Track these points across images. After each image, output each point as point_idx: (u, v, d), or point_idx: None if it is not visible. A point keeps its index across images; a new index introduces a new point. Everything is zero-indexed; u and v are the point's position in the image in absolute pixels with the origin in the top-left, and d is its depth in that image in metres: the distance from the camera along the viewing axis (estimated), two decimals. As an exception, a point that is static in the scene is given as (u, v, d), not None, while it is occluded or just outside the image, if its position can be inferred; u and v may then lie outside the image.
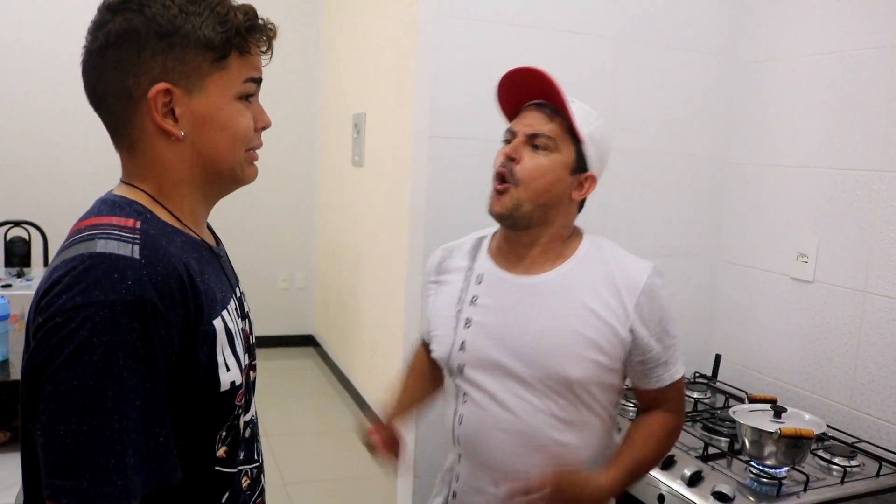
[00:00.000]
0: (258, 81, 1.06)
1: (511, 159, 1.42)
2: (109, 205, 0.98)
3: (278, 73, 5.68)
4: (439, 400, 1.69)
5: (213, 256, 1.09)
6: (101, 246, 0.90)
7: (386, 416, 1.66)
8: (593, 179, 1.46)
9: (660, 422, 1.51)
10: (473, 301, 1.50)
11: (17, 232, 4.16)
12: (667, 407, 1.51)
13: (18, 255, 4.08)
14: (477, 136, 2.19)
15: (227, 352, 1.01)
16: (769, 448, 1.76)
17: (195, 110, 0.99)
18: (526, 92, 1.47)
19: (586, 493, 1.38)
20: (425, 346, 1.71)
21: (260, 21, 1.04)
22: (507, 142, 1.46)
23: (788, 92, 2.36)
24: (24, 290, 3.41)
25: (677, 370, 1.48)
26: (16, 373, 1.95)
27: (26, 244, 4.13)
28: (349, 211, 5.15)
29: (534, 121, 1.43)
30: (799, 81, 2.33)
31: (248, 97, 1.04)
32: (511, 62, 2.20)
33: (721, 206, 2.61)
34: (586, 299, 1.41)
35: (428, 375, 1.72)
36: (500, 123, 2.26)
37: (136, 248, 0.91)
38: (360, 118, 4.81)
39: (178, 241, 0.99)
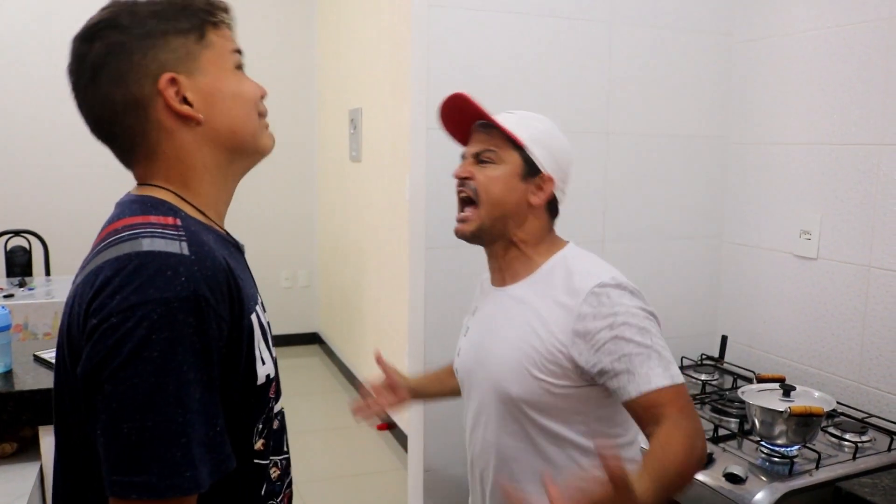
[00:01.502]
0: (241, 53, 1.10)
1: (464, 178, 1.47)
2: (140, 204, 0.99)
3: (274, 70, 5.67)
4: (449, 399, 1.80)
5: (239, 253, 1.12)
6: (148, 244, 0.91)
7: (403, 383, 1.74)
8: (550, 180, 1.46)
9: (661, 434, 1.25)
10: (474, 311, 1.61)
11: (17, 241, 4.16)
12: (661, 422, 1.27)
13: (19, 265, 4.08)
14: (473, 126, 2.17)
15: (263, 346, 1.03)
16: (779, 427, 1.76)
17: (203, 89, 1.02)
18: (464, 117, 1.52)
19: None
20: None
21: None
22: None
23: (786, 69, 2.35)
24: (26, 300, 3.41)
25: (651, 380, 1.28)
26: (20, 383, 1.95)
27: (27, 253, 4.14)
28: (349, 207, 5.14)
29: (476, 140, 1.49)
30: (796, 58, 2.31)
31: (240, 68, 1.08)
32: (504, 50, 2.21)
33: (722, 186, 2.59)
34: (541, 312, 1.40)
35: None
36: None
37: (184, 244, 0.92)
38: (356, 113, 4.80)
39: (211, 238, 1.00)
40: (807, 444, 1.78)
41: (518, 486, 1.43)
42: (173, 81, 0.99)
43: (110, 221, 0.99)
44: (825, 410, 1.77)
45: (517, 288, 1.48)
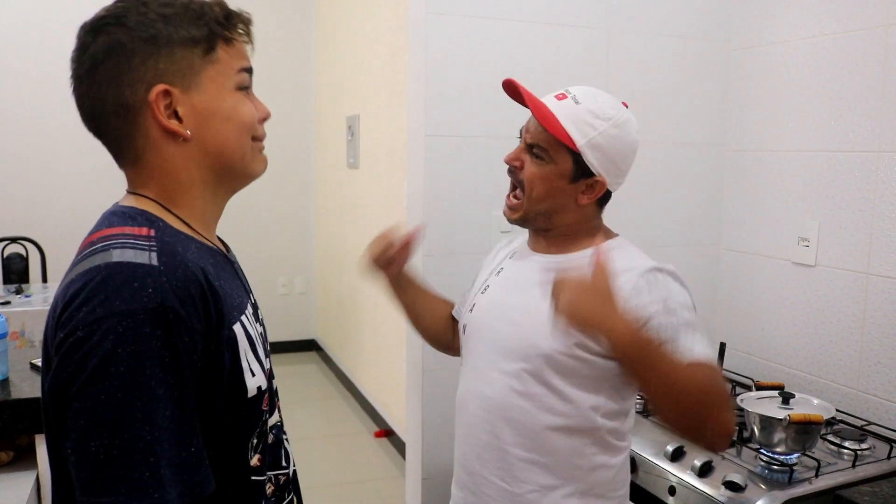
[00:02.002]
0: (250, 71, 1.06)
1: (514, 167, 1.45)
2: (120, 216, 0.98)
3: (271, 77, 5.67)
4: (418, 318, 1.75)
5: (227, 262, 1.09)
6: (118, 255, 0.89)
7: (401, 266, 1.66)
8: (601, 184, 1.41)
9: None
10: (498, 272, 1.56)
11: (14, 248, 4.15)
12: None
13: (16, 272, 4.07)
14: (472, 133, 2.18)
15: (251, 357, 1.00)
16: (779, 435, 1.75)
17: (197, 107, 0.99)
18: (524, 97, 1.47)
19: (607, 308, 1.20)
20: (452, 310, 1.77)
21: (234, 9, 1.05)
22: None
23: (782, 76, 2.35)
24: (22, 307, 3.40)
25: (693, 350, 1.27)
26: (17, 391, 1.94)
27: (24, 260, 4.12)
28: (346, 214, 5.14)
29: (533, 127, 1.44)
30: (792, 65, 2.31)
31: (245, 88, 1.05)
32: (502, 57, 2.21)
33: (719, 193, 2.59)
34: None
35: (438, 311, 1.75)
36: (494, 120, 2.24)
37: (154, 254, 0.90)
38: (353, 120, 4.80)
39: (192, 248, 0.98)
40: (806, 452, 1.78)
41: (508, 452, 1.41)
42: (166, 94, 0.96)
43: (90, 233, 0.97)
44: (824, 418, 1.77)
45: (559, 257, 1.46)
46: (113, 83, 0.96)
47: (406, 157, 2.35)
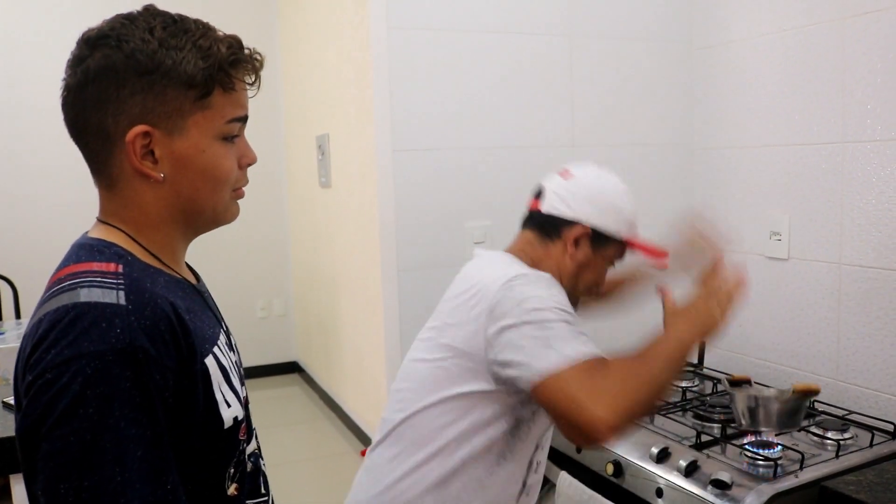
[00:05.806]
0: (243, 120, 1.03)
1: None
2: (87, 249, 0.95)
3: (237, 102, 5.64)
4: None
5: (196, 293, 1.07)
6: (85, 295, 0.87)
7: None
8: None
9: None
10: None
11: (-16, 287, 4.08)
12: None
13: (-12, 310, 4.00)
14: (439, 146, 2.17)
15: (225, 388, 0.98)
16: (775, 411, 1.78)
17: (175, 152, 0.95)
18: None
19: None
20: None
21: (246, 52, 1.01)
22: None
23: (745, 73, 2.37)
24: (-4, 346, 3.34)
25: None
26: (-10, 432, 1.90)
27: (-5, 298, 4.06)
28: (321, 233, 5.11)
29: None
30: (754, 62, 2.33)
31: (231, 138, 1.01)
32: (465, 69, 2.21)
33: (690, 192, 2.61)
34: None
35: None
36: (460, 132, 2.24)
37: (122, 293, 0.88)
38: (323, 139, 4.78)
39: (161, 282, 0.96)
40: (789, 446, 1.78)
41: None
42: (146, 135, 0.93)
43: (58, 269, 0.95)
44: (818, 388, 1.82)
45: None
46: (98, 106, 0.93)
47: (377, 173, 2.34)
